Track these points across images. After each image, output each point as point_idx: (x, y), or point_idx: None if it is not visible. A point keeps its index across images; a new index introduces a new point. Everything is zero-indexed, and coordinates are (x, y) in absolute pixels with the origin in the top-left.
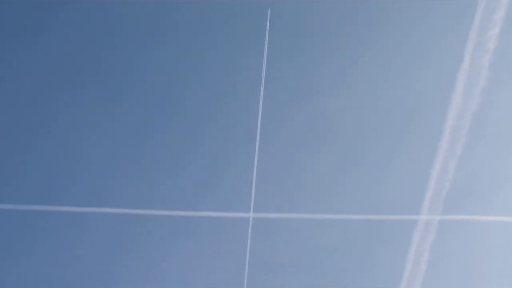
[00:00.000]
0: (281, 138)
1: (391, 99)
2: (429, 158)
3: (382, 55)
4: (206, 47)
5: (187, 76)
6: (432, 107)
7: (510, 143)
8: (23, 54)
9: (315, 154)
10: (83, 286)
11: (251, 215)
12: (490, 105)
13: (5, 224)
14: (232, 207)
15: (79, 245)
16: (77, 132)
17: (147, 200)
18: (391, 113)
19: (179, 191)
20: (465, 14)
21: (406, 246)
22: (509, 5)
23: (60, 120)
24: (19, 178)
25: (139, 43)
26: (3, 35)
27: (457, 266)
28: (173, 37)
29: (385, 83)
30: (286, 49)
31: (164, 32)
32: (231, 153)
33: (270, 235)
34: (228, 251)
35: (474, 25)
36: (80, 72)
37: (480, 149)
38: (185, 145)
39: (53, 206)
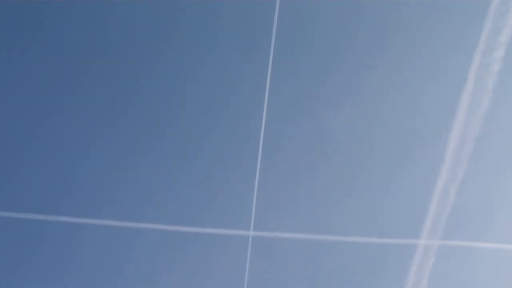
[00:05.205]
0: (283, 155)
1: (393, 119)
2: (431, 181)
3: (386, 74)
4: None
5: (187, 83)
6: (434, 129)
7: None
8: (21, 54)
9: (316, 173)
10: None
11: (251, 233)
12: (492, 129)
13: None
14: (232, 225)
15: (73, 257)
16: (73, 140)
17: (144, 213)
18: (393, 134)
19: (178, 206)
20: (471, 35)
21: (406, 271)
22: None
23: (58, 126)
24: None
25: (139, 45)
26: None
27: None
28: (175, 38)
29: (388, 101)
30: (291, 55)
31: (166, 32)
32: (231, 169)
33: (269, 254)
34: (227, 269)
35: (479, 47)
36: (78, 76)
37: (481, 174)
38: (185, 158)
39: (48, 216)
